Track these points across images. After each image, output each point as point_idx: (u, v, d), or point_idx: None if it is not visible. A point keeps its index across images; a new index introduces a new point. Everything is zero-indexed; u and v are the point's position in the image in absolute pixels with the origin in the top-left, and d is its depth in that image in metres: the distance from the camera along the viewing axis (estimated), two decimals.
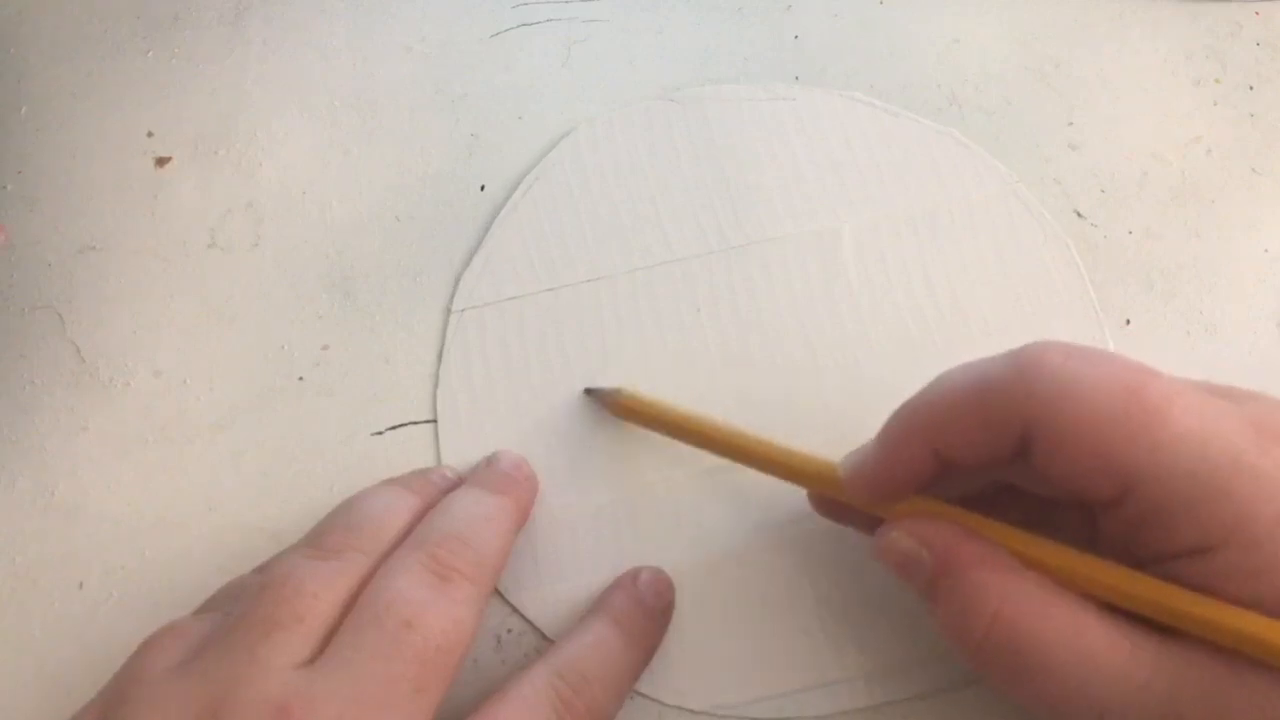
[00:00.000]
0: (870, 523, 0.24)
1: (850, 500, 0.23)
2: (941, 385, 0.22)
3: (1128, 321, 0.30)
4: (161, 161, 0.33)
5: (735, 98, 0.33)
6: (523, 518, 0.27)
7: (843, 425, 0.28)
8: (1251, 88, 0.33)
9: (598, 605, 0.26)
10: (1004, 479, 0.23)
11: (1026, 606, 0.20)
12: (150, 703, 0.20)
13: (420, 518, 0.25)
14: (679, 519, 0.28)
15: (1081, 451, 0.19)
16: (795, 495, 0.27)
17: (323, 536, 0.24)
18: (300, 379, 0.30)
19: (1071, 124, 0.33)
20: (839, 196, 0.32)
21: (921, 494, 0.22)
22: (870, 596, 0.26)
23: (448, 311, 0.31)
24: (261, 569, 0.25)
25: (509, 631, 0.27)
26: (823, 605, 0.27)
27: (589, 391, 0.29)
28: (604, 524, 0.28)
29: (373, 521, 0.24)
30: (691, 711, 0.26)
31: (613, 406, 0.28)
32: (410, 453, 0.29)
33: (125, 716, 0.20)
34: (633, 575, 0.26)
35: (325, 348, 0.30)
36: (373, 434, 0.29)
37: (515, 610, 0.27)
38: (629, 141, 0.33)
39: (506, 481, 0.27)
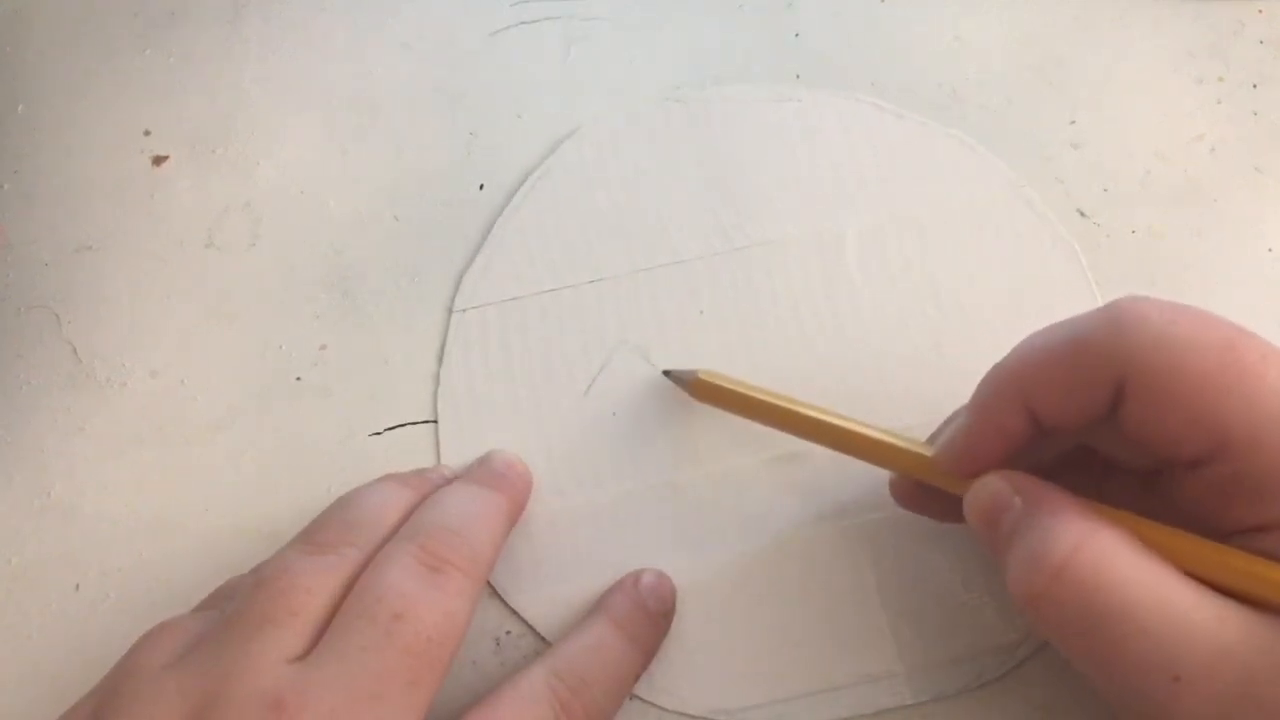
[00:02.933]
0: (950, 508, 0.23)
1: (939, 479, 0.23)
2: (1033, 343, 0.22)
3: None
4: (159, 160, 0.33)
5: (740, 98, 0.33)
6: (516, 513, 0.27)
7: None
8: (1255, 86, 0.33)
9: (598, 607, 0.26)
10: (1085, 441, 0.23)
11: (1109, 550, 0.19)
12: (144, 697, 0.20)
13: None
14: (680, 522, 0.27)
15: (1176, 404, 0.19)
16: (797, 499, 0.27)
17: (317, 532, 0.24)
18: (298, 379, 0.30)
19: (1074, 123, 0.33)
20: (842, 198, 0.31)
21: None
22: (875, 605, 0.26)
23: (447, 311, 0.30)
24: (257, 568, 0.25)
25: (508, 633, 0.27)
26: (824, 611, 0.26)
27: (667, 373, 0.29)
28: (605, 526, 0.28)
29: (368, 516, 0.24)
30: (690, 716, 0.26)
31: (692, 388, 0.28)
32: (409, 453, 0.29)
33: (119, 710, 0.20)
34: (634, 577, 0.26)
35: (323, 348, 0.30)
36: (371, 434, 0.29)
37: (514, 612, 0.27)
38: (633, 142, 0.33)
39: (499, 478, 0.27)
